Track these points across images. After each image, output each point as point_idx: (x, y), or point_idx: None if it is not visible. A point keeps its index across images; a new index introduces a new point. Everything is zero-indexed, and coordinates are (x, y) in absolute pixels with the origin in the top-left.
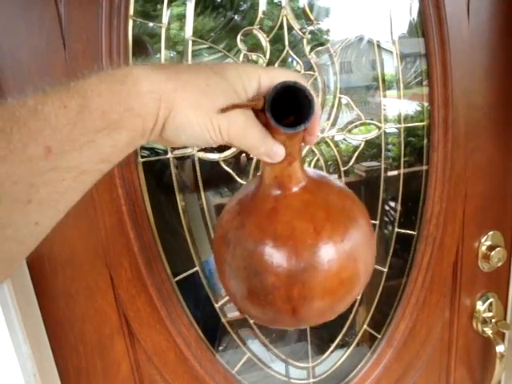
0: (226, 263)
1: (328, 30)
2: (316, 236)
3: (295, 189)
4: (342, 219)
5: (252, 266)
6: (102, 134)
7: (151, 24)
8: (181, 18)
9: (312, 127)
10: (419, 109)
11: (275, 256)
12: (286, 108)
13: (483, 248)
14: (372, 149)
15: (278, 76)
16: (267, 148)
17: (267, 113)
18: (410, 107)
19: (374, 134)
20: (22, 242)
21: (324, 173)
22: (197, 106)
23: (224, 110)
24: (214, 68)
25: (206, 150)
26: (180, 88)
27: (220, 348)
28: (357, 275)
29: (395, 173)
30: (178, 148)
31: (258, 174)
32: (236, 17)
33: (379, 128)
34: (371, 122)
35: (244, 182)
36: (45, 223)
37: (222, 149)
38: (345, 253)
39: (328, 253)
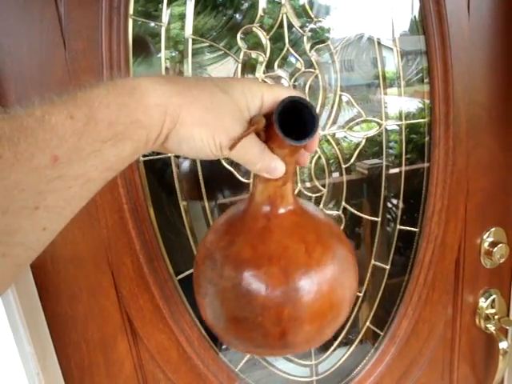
0: (210, 284)
1: (328, 28)
2: (308, 257)
3: (286, 209)
4: (330, 243)
5: (241, 286)
6: (108, 145)
7: (151, 23)
8: (181, 17)
9: (311, 144)
10: (420, 106)
11: (267, 275)
12: (285, 126)
13: (485, 244)
14: (374, 146)
15: (281, 94)
16: (266, 164)
17: (275, 125)
18: (411, 104)
19: (375, 131)
20: (29, 247)
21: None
22: (201, 122)
23: (232, 147)
24: (220, 85)
25: None
26: (186, 104)
27: (223, 346)
28: (344, 300)
29: (397, 170)
30: None
31: (247, 195)
32: (236, 15)
33: (380, 125)
34: (372, 119)
35: (246, 181)
36: (51, 229)
37: None
38: (334, 276)
39: (319, 275)
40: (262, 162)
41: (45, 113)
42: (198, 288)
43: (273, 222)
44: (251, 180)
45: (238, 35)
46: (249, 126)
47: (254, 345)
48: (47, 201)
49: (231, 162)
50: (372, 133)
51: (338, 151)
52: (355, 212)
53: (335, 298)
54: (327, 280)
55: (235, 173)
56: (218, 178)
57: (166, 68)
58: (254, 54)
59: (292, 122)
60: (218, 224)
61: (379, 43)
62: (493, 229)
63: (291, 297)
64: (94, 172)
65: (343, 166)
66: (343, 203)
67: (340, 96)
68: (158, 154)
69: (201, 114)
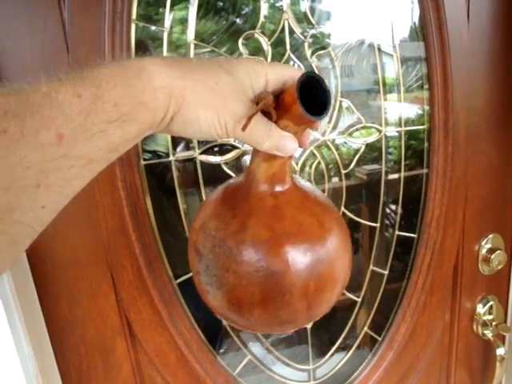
0: (228, 273)
1: (329, 34)
2: (320, 228)
3: (289, 185)
4: (332, 212)
5: (266, 268)
6: (114, 125)
7: (153, 28)
8: (183, 21)
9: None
10: (420, 112)
11: (290, 253)
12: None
13: (483, 251)
14: (373, 152)
15: (284, 72)
16: (275, 141)
17: (298, 101)
18: (411, 111)
19: (374, 137)
20: (28, 225)
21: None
22: (206, 104)
23: (245, 127)
24: (224, 66)
25: (207, 152)
26: (191, 86)
27: (221, 350)
28: (350, 263)
29: (396, 176)
30: (180, 151)
31: (239, 177)
32: (238, 20)
33: (380, 131)
34: (372, 125)
35: None
36: (51, 207)
37: (223, 152)
38: (341, 242)
39: (332, 243)
40: (270, 139)
41: (51, 90)
42: (209, 280)
43: (281, 199)
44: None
45: (240, 41)
46: (256, 103)
47: (278, 323)
48: (49, 179)
49: (231, 167)
50: (372, 139)
51: (337, 157)
52: (354, 217)
53: (345, 260)
54: (338, 245)
55: (234, 176)
56: (217, 181)
57: None
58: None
59: (304, 97)
60: (214, 208)
61: (379, 49)
62: (491, 235)
63: (315, 269)
64: (97, 153)
65: (343, 172)
66: (342, 208)
67: (340, 102)
68: (159, 157)
69: (206, 95)
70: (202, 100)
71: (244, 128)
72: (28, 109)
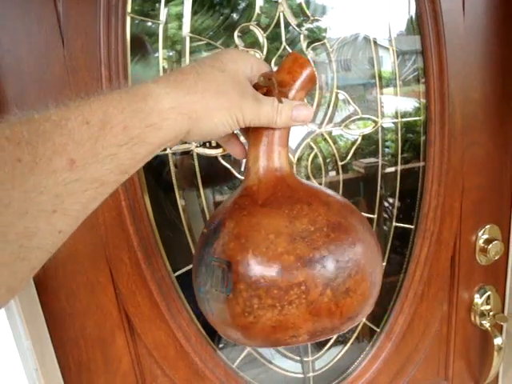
0: (326, 285)
1: (325, 28)
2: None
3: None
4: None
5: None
6: (124, 148)
7: (149, 22)
8: (178, 16)
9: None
10: (417, 105)
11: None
12: None
13: (480, 241)
14: (370, 145)
15: (262, 65)
16: (288, 114)
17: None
18: (408, 104)
19: (371, 128)
20: (46, 250)
21: None
22: (217, 109)
23: (280, 101)
24: (215, 65)
25: (204, 145)
26: (200, 98)
27: (220, 343)
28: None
29: (393, 169)
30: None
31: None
32: (233, 14)
33: (376, 123)
34: (368, 116)
35: (243, 178)
36: (66, 231)
37: (220, 144)
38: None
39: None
40: (282, 114)
41: (61, 118)
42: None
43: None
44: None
45: (235, 33)
46: (264, 84)
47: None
48: (64, 204)
49: (228, 159)
50: (368, 130)
51: (334, 149)
52: None
53: None
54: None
55: (232, 169)
56: (214, 175)
57: (164, 68)
58: (250, 52)
59: None
60: (267, 228)
61: (375, 43)
62: (488, 226)
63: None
64: (109, 175)
65: (339, 164)
66: None
67: (336, 94)
68: None
69: (214, 101)
70: (213, 107)
71: (281, 101)
72: (40, 137)
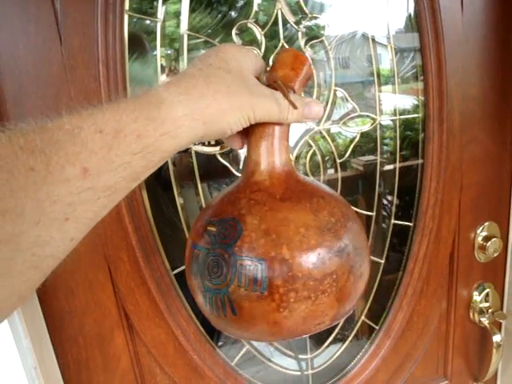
0: (349, 272)
1: (323, 25)
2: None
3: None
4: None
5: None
6: (138, 156)
7: (147, 20)
8: (176, 15)
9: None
10: (415, 103)
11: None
12: None
13: (479, 239)
14: (369, 143)
15: (260, 60)
16: (299, 111)
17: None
18: (406, 101)
19: (369, 125)
20: (57, 257)
21: None
22: (230, 109)
23: (295, 107)
24: (221, 65)
25: (202, 144)
26: (212, 101)
27: (219, 341)
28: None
29: (391, 166)
30: None
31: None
32: (231, 12)
33: (374, 120)
34: (367, 113)
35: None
36: (78, 238)
37: (218, 142)
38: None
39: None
40: (293, 111)
41: (74, 127)
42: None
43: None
44: None
45: (233, 31)
46: (272, 83)
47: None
48: (77, 212)
49: (226, 157)
50: (366, 128)
51: (333, 147)
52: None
53: None
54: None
55: (230, 167)
56: (213, 172)
57: (162, 66)
58: (248, 47)
59: None
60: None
61: (374, 40)
62: (486, 223)
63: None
64: (121, 183)
65: (338, 161)
66: None
67: (335, 91)
68: None
69: (226, 103)
70: (226, 108)
71: (295, 107)
72: (53, 146)
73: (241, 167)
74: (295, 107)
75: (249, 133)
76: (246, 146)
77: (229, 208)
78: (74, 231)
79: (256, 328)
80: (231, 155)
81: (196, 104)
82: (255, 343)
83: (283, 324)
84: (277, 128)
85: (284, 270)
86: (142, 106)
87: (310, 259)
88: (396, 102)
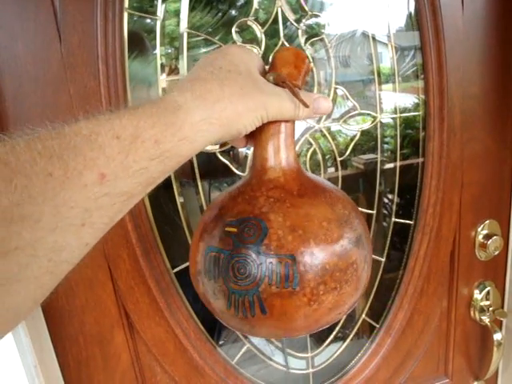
0: (365, 260)
1: (323, 23)
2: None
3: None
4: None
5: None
6: (155, 162)
7: (147, 18)
8: (177, 13)
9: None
10: (416, 101)
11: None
12: None
13: (480, 237)
14: (369, 142)
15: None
16: (310, 109)
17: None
18: (407, 100)
19: (370, 124)
20: (72, 263)
21: None
22: (245, 111)
23: (306, 105)
24: (231, 68)
25: None
26: (228, 104)
27: (220, 339)
28: None
29: (392, 165)
30: None
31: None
32: (231, 10)
33: (375, 118)
34: (368, 111)
35: (241, 173)
36: (92, 243)
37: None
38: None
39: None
40: (303, 108)
41: (91, 132)
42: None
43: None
44: (245, 173)
45: (233, 29)
46: (281, 83)
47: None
48: (93, 217)
49: (226, 155)
50: (367, 126)
51: (333, 145)
52: None
53: None
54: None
55: (230, 165)
56: (213, 171)
57: (162, 64)
58: (248, 47)
59: None
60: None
61: (374, 38)
62: (487, 221)
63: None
64: (138, 188)
65: (338, 160)
66: None
67: (335, 90)
68: None
69: (241, 104)
70: (241, 110)
71: (307, 106)
72: (71, 151)
73: (241, 165)
74: (306, 106)
75: (256, 131)
76: (248, 145)
77: (247, 207)
78: (89, 236)
79: (285, 324)
80: (231, 153)
81: (212, 108)
82: (256, 342)
83: (312, 317)
84: (286, 125)
85: (314, 264)
86: (158, 112)
87: (336, 251)
88: (396, 100)
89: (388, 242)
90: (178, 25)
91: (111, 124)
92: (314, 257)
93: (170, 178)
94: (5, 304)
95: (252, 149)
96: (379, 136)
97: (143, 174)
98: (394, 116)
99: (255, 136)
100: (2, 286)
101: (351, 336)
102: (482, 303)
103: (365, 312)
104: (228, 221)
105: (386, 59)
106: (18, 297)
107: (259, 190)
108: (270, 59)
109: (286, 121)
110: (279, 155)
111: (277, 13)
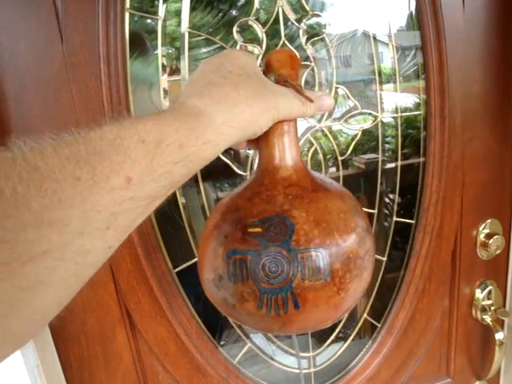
0: (373, 247)
1: (324, 23)
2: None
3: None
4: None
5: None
6: (179, 165)
7: (148, 19)
8: (178, 13)
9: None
10: (417, 101)
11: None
12: None
13: (481, 236)
14: (371, 141)
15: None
16: (314, 105)
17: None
18: (408, 99)
19: (371, 123)
20: (97, 266)
21: None
22: (260, 112)
23: (312, 101)
24: (241, 73)
25: None
26: (245, 107)
27: (221, 339)
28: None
29: (393, 164)
30: None
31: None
32: (232, 10)
33: (376, 117)
34: (369, 111)
35: (243, 173)
36: (115, 246)
37: None
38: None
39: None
40: (309, 105)
41: (116, 136)
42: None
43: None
44: (248, 172)
45: (234, 28)
46: (284, 82)
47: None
48: (117, 221)
49: (228, 155)
50: (368, 125)
51: (334, 145)
52: None
53: None
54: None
55: (232, 165)
56: (215, 170)
57: (163, 64)
58: (249, 47)
59: None
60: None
61: (375, 38)
62: (489, 220)
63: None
64: (161, 191)
65: (339, 159)
66: None
67: (336, 89)
68: None
69: (257, 106)
70: (257, 111)
71: (312, 101)
72: (97, 156)
73: (242, 165)
74: (311, 101)
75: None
76: (248, 146)
77: (267, 206)
78: (113, 239)
79: (316, 316)
80: (232, 153)
81: (232, 112)
82: (257, 341)
83: (340, 306)
84: (291, 124)
85: (340, 253)
86: (181, 117)
87: (355, 240)
88: (397, 99)
89: (389, 241)
90: (178, 25)
91: (135, 128)
92: (340, 247)
93: None
94: (32, 307)
95: (252, 149)
96: (380, 135)
97: (167, 177)
98: (395, 115)
99: (261, 137)
100: (30, 289)
101: (353, 335)
102: (483, 302)
103: (366, 311)
104: (250, 222)
105: (387, 59)
106: (45, 300)
107: (275, 189)
108: (264, 62)
109: (292, 120)
110: (288, 154)
111: (278, 12)
